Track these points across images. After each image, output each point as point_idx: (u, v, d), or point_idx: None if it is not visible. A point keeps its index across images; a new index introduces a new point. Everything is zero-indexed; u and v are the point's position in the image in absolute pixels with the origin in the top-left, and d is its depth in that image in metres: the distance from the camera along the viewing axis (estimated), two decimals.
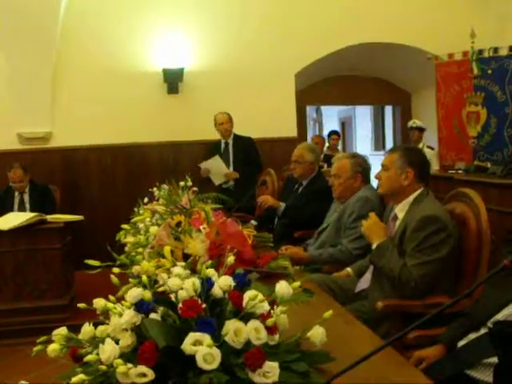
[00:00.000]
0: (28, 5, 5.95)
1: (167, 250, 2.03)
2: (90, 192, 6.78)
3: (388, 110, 10.22)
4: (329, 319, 1.39)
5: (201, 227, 2.29)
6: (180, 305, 1.23)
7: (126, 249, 2.59)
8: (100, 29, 6.61)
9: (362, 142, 12.75)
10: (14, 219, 4.57)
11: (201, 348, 1.14)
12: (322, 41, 7.09)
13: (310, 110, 13.90)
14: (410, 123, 7.32)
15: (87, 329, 1.29)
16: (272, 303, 1.34)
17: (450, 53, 6.53)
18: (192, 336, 1.17)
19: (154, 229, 2.48)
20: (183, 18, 6.79)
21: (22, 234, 4.46)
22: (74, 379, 1.15)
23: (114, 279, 1.39)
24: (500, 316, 1.75)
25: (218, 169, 5.99)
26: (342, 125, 14.08)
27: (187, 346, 1.16)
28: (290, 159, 4.42)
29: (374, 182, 3.41)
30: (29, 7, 5.96)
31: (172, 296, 1.29)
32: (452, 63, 6.54)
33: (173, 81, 6.78)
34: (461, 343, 1.89)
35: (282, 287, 1.34)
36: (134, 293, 1.29)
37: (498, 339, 1.52)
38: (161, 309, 1.29)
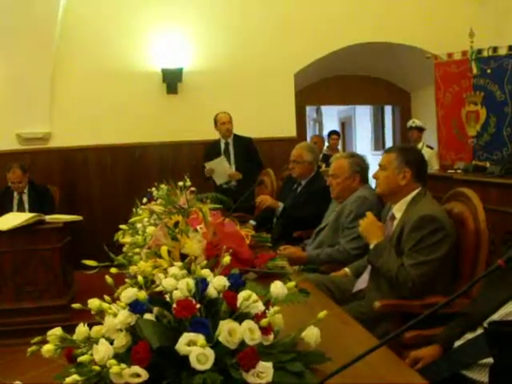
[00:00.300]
0: (27, 5, 5.96)
1: (164, 250, 2.03)
2: (90, 192, 6.79)
3: (388, 109, 10.21)
4: (326, 319, 1.39)
5: (198, 227, 2.29)
6: (174, 305, 1.23)
7: (124, 249, 2.59)
8: (99, 29, 6.61)
9: (362, 142, 12.73)
10: (13, 219, 4.58)
11: (194, 348, 1.13)
12: (322, 41, 7.09)
13: (310, 110, 13.90)
14: (410, 123, 7.31)
15: (82, 329, 1.29)
16: (267, 303, 1.34)
17: (450, 52, 6.53)
18: (186, 336, 1.17)
19: (150, 229, 2.48)
20: (182, 19, 6.79)
21: (21, 234, 4.46)
22: (67, 380, 1.15)
23: (109, 279, 1.39)
24: (496, 316, 1.75)
25: (222, 169, 5.99)
26: (342, 125, 14.06)
27: (181, 346, 1.16)
28: (289, 159, 4.42)
29: (373, 182, 3.40)
30: (27, 7, 5.97)
31: (167, 296, 1.29)
32: (451, 63, 6.54)
33: (172, 81, 6.80)
34: (457, 343, 1.89)
35: (277, 287, 1.34)
36: (129, 293, 1.29)
37: (493, 339, 1.52)
38: (156, 309, 1.29)
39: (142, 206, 3.26)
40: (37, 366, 3.34)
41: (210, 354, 1.14)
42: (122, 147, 6.82)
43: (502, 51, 6.09)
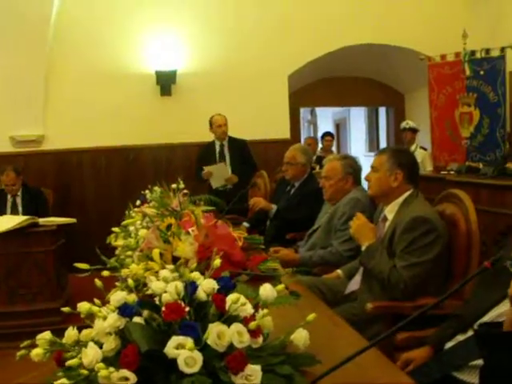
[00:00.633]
0: (19, 6, 5.95)
1: (156, 252, 2.02)
2: (84, 195, 6.78)
3: (382, 111, 10.24)
4: (317, 321, 1.39)
5: (190, 230, 2.29)
6: (163, 308, 1.23)
7: (117, 252, 2.59)
8: (92, 31, 6.61)
9: (357, 143, 12.77)
10: (7, 222, 4.56)
11: (182, 351, 1.13)
12: (315, 42, 7.11)
13: (305, 112, 13.91)
14: (403, 124, 7.34)
15: (71, 333, 1.29)
16: (257, 306, 1.34)
17: (443, 54, 6.55)
18: (175, 340, 1.17)
19: (143, 232, 2.48)
20: (176, 20, 6.79)
21: (14, 236, 4.44)
22: (55, 383, 1.15)
23: (98, 283, 1.39)
24: (487, 318, 1.76)
25: (221, 174, 5.99)
26: (337, 126, 14.09)
27: (170, 349, 1.16)
28: (283, 161, 4.43)
29: (366, 184, 3.41)
30: (20, 9, 5.96)
31: (156, 299, 1.29)
32: (445, 64, 6.56)
33: (166, 83, 6.80)
34: (449, 345, 1.90)
35: (266, 290, 1.34)
36: (118, 296, 1.29)
37: (482, 341, 1.52)
38: (145, 312, 1.29)
39: (135, 209, 3.26)
40: (28, 370, 3.32)
41: (199, 357, 1.14)
42: (116, 149, 6.81)
43: (495, 53, 6.13)
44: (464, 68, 6.28)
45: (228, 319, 1.24)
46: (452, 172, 5.66)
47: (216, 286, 1.29)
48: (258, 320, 1.25)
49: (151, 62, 6.74)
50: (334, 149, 9.95)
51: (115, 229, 2.90)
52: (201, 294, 1.29)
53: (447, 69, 6.53)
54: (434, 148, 6.82)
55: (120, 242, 2.67)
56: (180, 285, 1.25)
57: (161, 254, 2.07)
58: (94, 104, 6.63)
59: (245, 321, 1.24)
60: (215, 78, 6.86)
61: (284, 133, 7.13)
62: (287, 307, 1.55)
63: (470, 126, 6.33)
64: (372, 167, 2.83)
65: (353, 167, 3.52)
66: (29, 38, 6.15)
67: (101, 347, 1.21)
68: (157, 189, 3.76)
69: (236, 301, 1.23)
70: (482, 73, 6.17)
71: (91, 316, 1.32)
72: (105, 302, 1.37)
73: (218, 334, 1.19)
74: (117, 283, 1.71)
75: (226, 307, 1.24)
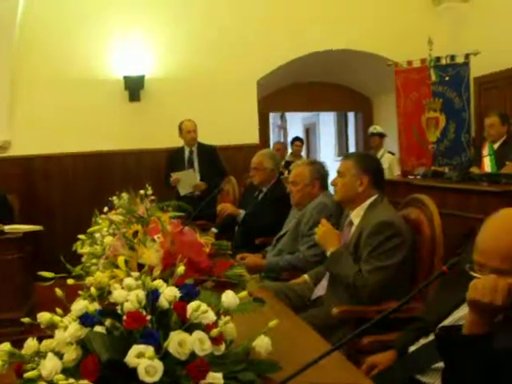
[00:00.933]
0: None
1: (121, 260, 2.01)
2: (51, 201, 6.68)
3: (351, 116, 10.34)
4: (281, 327, 1.40)
5: (155, 237, 2.27)
6: (124, 317, 1.22)
7: (83, 259, 2.56)
8: (60, 35, 6.54)
9: (326, 148, 12.85)
10: None
11: (142, 360, 1.13)
12: (284, 48, 7.15)
13: (275, 117, 13.96)
14: (371, 129, 7.42)
15: (31, 343, 1.27)
16: (220, 313, 1.34)
17: (409, 60, 6.64)
18: (136, 348, 1.16)
19: (109, 239, 2.46)
20: (143, 25, 6.77)
21: None
22: None
23: (59, 292, 1.37)
24: (448, 321, 1.78)
25: (189, 181, 5.97)
26: (307, 131, 14.16)
27: (130, 358, 1.15)
28: (250, 166, 4.44)
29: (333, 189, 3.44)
30: None
31: (118, 308, 1.28)
32: (411, 70, 6.65)
33: (134, 88, 6.76)
34: (412, 348, 1.92)
35: (228, 297, 1.34)
36: (79, 305, 1.28)
37: (442, 344, 1.54)
38: (108, 321, 1.28)
39: (102, 216, 3.22)
40: None
41: (159, 365, 1.13)
42: (83, 155, 6.74)
43: (460, 59, 6.26)
44: (430, 74, 6.39)
45: (190, 327, 1.24)
46: (418, 176, 5.73)
47: (178, 294, 1.29)
48: (220, 327, 1.26)
49: (119, 66, 6.70)
50: (303, 154, 10.01)
51: (81, 236, 2.87)
52: (163, 302, 1.28)
53: (414, 74, 6.62)
54: (402, 153, 6.89)
55: (86, 250, 2.65)
56: (141, 293, 1.25)
57: (126, 262, 2.05)
58: (61, 109, 6.55)
59: (207, 328, 1.24)
60: (184, 83, 6.84)
61: (253, 138, 7.14)
62: (252, 314, 1.55)
63: (436, 130, 6.43)
64: (338, 172, 2.85)
65: (320, 172, 3.54)
66: None
67: (61, 358, 1.20)
68: (124, 195, 3.74)
69: (197, 308, 1.23)
70: (447, 79, 6.28)
71: (53, 326, 1.30)
72: (68, 312, 1.35)
73: (180, 342, 1.19)
74: (80, 292, 1.69)
75: (187, 315, 1.24)
